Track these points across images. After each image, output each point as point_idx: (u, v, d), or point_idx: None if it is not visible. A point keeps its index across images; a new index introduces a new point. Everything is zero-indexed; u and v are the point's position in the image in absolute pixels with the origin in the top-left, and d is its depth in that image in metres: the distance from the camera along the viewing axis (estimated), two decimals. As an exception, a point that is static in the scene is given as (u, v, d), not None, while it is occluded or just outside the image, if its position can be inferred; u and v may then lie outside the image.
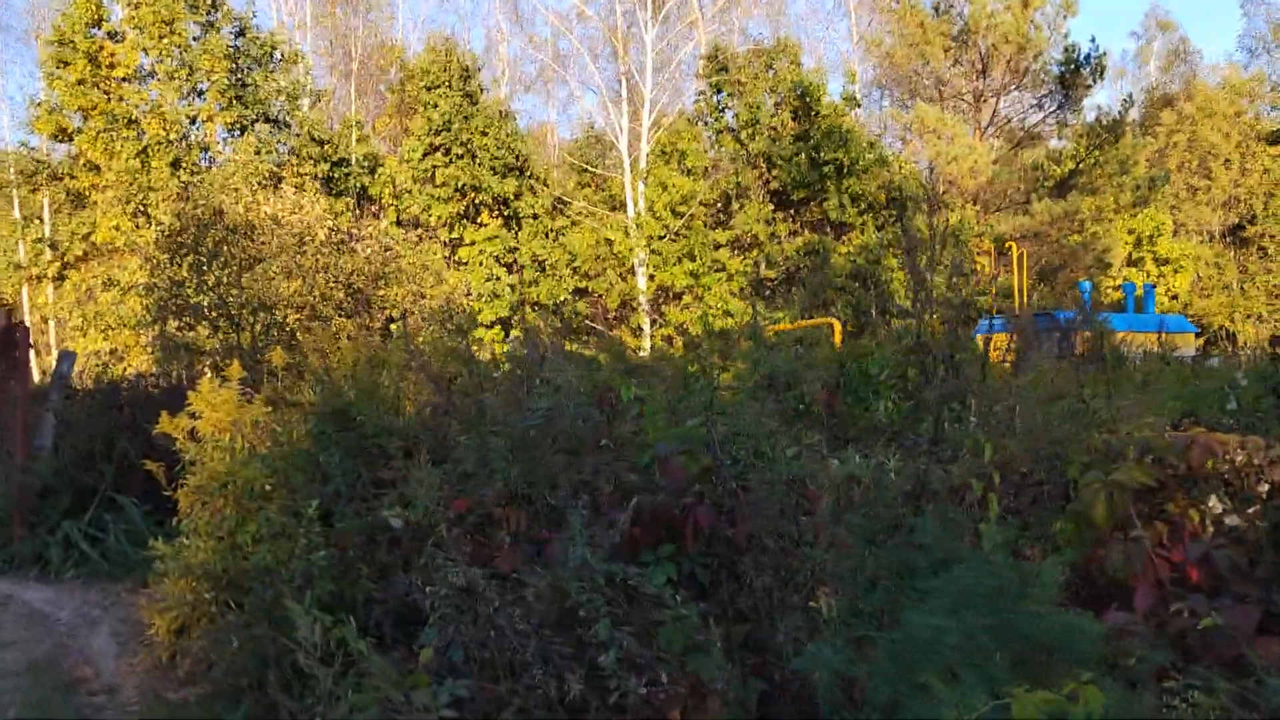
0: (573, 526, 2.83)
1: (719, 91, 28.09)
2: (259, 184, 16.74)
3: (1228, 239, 40.89)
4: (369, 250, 15.35)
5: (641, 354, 26.25)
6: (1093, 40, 28.31)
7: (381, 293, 15.64)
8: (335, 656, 4.49)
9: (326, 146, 23.54)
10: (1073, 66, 29.41)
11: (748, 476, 2.90)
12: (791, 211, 27.00)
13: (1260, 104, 41.75)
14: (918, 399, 4.08)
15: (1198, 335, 32.25)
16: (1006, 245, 24.54)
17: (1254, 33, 46.82)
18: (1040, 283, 29.89)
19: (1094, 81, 29.73)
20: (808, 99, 26.58)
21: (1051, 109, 31.15)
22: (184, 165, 20.30)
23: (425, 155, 25.71)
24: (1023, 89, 31.03)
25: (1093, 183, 29.35)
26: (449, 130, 25.44)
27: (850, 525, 2.40)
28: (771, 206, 26.31)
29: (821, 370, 4.63)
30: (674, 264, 25.49)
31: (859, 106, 27.87)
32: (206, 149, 21.36)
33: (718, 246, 26.22)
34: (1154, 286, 26.51)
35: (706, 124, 28.57)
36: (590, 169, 29.82)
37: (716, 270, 25.65)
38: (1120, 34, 76.78)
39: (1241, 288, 39.03)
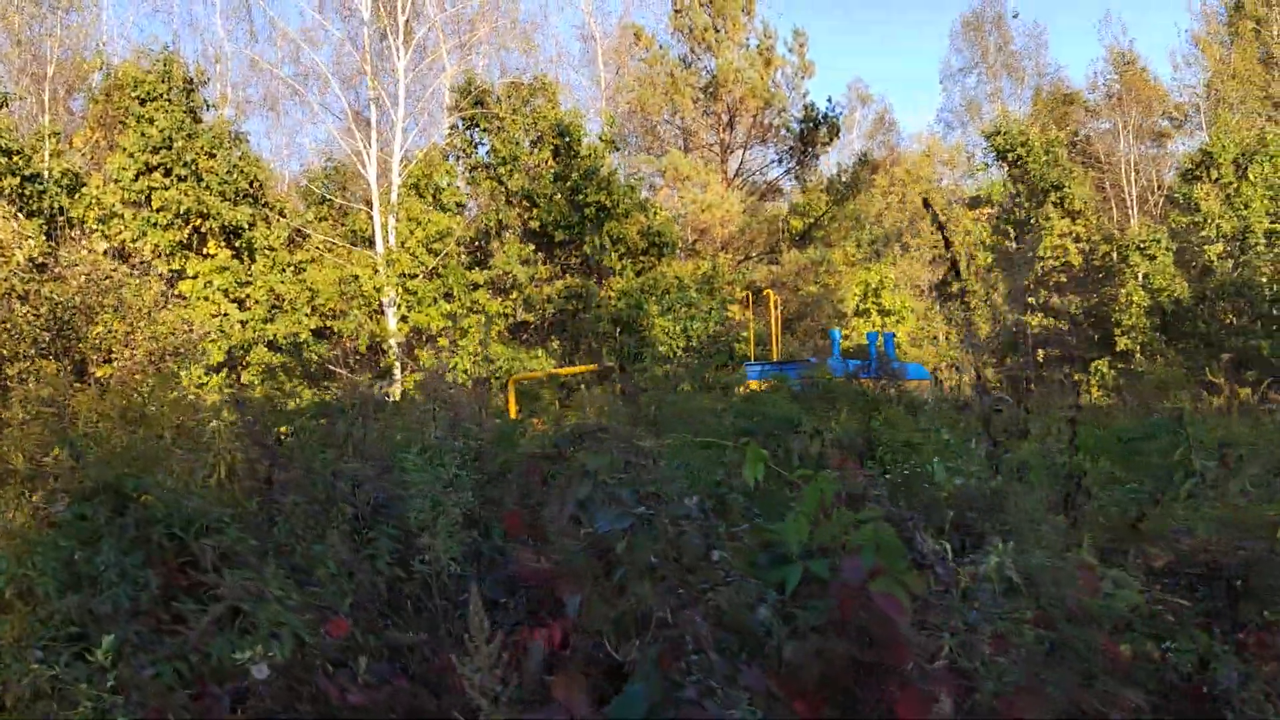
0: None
1: (473, 126, 26.82)
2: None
3: (934, 293, 44.51)
4: (80, 278, 12.70)
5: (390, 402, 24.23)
6: (829, 100, 29.73)
7: (97, 330, 13.01)
8: None
9: (16, 158, 19.86)
10: (812, 124, 30.81)
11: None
12: (552, 253, 26.10)
13: (958, 171, 46.11)
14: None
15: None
16: (765, 293, 24.95)
17: (951, 108, 51.80)
18: (784, 330, 30.79)
19: (830, 139, 31.31)
20: (567, 138, 25.92)
21: (791, 164, 32.49)
22: None
23: (139, 175, 22.47)
24: (766, 143, 32.20)
25: (829, 236, 30.75)
26: (170, 148, 22.39)
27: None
28: (532, 247, 25.27)
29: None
30: (430, 304, 23.78)
31: (618, 149, 27.56)
32: None
33: (475, 287, 24.79)
34: (894, 335, 27.92)
35: (459, 159, 27.17)
36: (333, 200, 27.51)
37: (475, 312, 24.19)
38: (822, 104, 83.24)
39: (947, 338, 42.47)
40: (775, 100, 30.42)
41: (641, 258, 26.87)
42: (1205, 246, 33.04)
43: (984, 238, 42.55)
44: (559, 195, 25.46)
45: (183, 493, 4.47)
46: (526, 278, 25.19)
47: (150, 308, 13.58)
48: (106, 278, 13.06)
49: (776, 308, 24.74)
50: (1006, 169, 42.87)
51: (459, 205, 26.11)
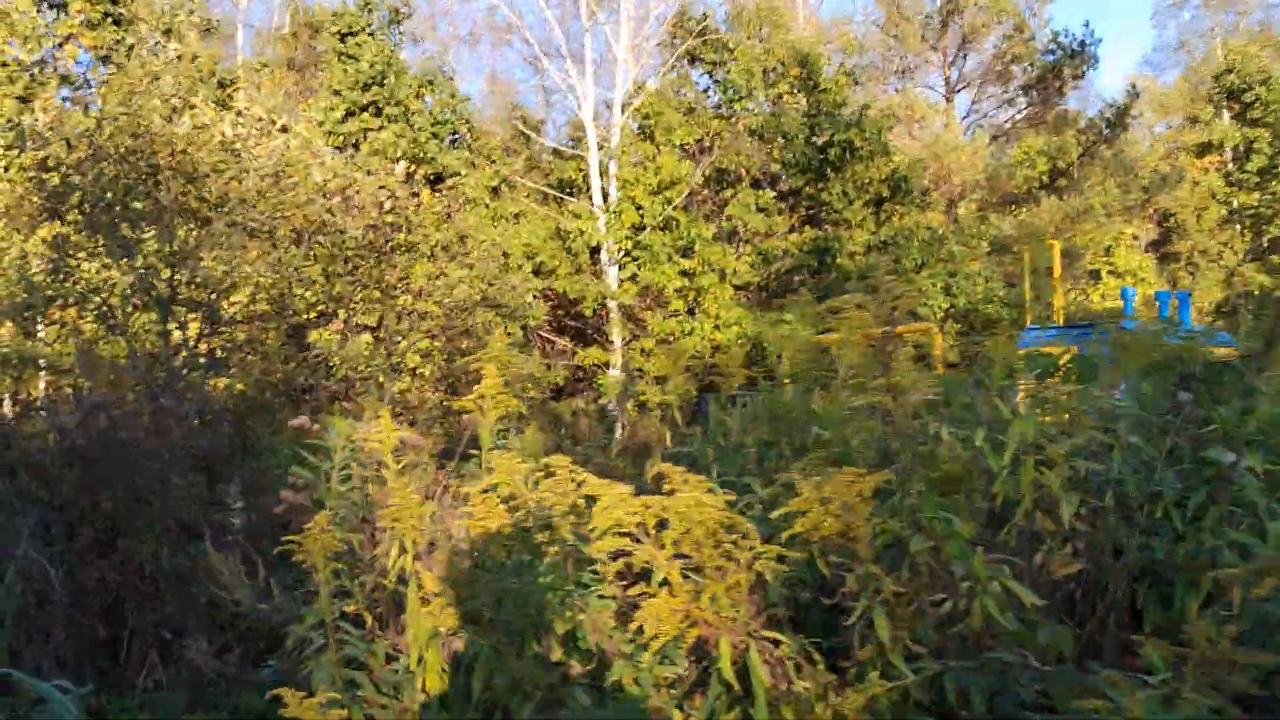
0: None
1: (694, 60, 23.70)
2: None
3: (1153, 252, 39.81)
4: (382, 201, 10.04)
5: (613, 374, 21.40)
6: (1086, 25, 25.59)
7: (396, 275, 10.37)
8: None
9: (228, 89, 17.59)
10: (1063, 54, 26.81)
11: None
12: (792, 201, 22.85)
13: (1175, 116, 41.14)
14: None
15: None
16: (1046, 241, 21.37)
17: (1163, 45, 46.58)
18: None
19: (1082, 73, 27.27)
20: (806, 69, 22.60)
21: (1031, 102, 28.54)
22: (39, 102, 14.01)
23: (348, 116, 20.10)
24: (1002, 79, 28.32)
25: (1087, 179, 26.78)
26: (381, 85, 19.93)
27: None
28: (772, 194, 22.09)
29: None
30: (664, 261, 20.81)
31: (859, 83, 24.11)
32: (68, 82, 15.03)
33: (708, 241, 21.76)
34: (1189, 295, 23.94)
35: (679, 97, 24.06)
36: (532, 146, 24.82)
37: (712, 269, 21.15)
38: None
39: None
40: (1022, 26, 26.51)
41: (885, 206, 23.48)
42: None
43: (1215, 189, 37.82)
44: (799, 136, 22.19)
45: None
46: (765, 228, 22.06)
47: (456, 246, 10.94)
48: (404, 209, 10.36)
49: (1056, 259, 21.05)
50: (1237, 111, 38.02)
51: (683, 149, 23.07)
